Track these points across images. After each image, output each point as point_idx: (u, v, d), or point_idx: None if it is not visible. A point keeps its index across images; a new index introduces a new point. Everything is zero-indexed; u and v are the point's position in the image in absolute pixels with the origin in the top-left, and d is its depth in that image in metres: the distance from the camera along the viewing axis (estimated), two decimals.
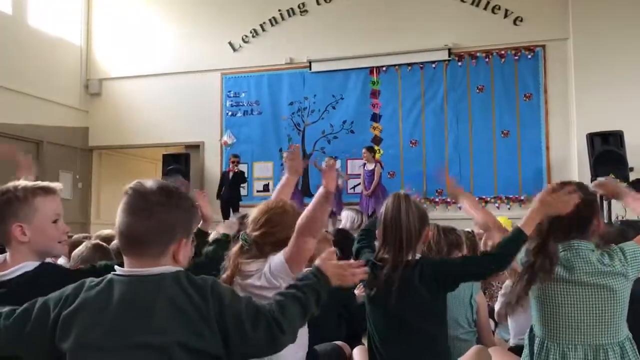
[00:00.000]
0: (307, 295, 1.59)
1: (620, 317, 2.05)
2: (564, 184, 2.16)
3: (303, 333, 2.32)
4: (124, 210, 1.52)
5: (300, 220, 2.11)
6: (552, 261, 2.04)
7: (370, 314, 2.33)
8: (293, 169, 2.76)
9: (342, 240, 3.99)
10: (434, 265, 2.22)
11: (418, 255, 2.29)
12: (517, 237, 2.11)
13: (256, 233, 2.24)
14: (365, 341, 3.10)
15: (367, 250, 2.46)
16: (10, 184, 2.01)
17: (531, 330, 2.20)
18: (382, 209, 2.35)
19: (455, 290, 2.37)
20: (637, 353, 2.06)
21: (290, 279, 2.09)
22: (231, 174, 9.49)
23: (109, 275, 1.52)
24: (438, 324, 2.24)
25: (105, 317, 1.43)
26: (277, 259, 2.14)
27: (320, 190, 2.12)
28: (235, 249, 2.25)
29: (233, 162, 9.55)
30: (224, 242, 2.54)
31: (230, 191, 9.41)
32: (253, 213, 2.33)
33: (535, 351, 2.12)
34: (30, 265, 1.93)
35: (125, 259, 1.54)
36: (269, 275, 2.14)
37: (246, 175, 9.92)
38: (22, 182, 2.04)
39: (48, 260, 2.09)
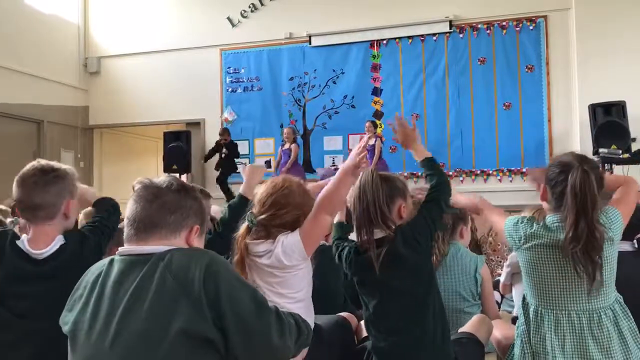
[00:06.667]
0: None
1: (609, 280, 2.04)
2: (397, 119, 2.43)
3: (307, 305, 2.31)
4: (131, 200, 1.52)
5: (321, 196, 2.07)
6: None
7: (362, 295, 2.30)
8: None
9: None
10: (411, 225, 2.17)
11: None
12: (430, 166, 2.36)
13: (263, 216, 2.16)
14: None
15: (345, 246, 2.33)
16: (53, 163, 2.10)
17: (524, 299, 2.20)
18: (349, 192, 2.22)
19: (460, 264, 2.34)
20: (628, 314, 2.08)
21: (303, 259, 2.09)
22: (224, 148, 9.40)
23: (113, 256, 1.50)
24: (428, 287, 2.20)
25: (98, 299, 1.41)
26: (292, 238, 2.08)
27: (345, 164, 2.07)
28: (242, 230, 2.18)
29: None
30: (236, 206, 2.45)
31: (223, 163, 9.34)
32: (258, 193, 2.25)
33: (530, 318, 2.12)
34: (61, 237, 2.02)
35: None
36: (279, 255, 2.06)
37: (247, 152, 9.93)
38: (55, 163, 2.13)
39: None
